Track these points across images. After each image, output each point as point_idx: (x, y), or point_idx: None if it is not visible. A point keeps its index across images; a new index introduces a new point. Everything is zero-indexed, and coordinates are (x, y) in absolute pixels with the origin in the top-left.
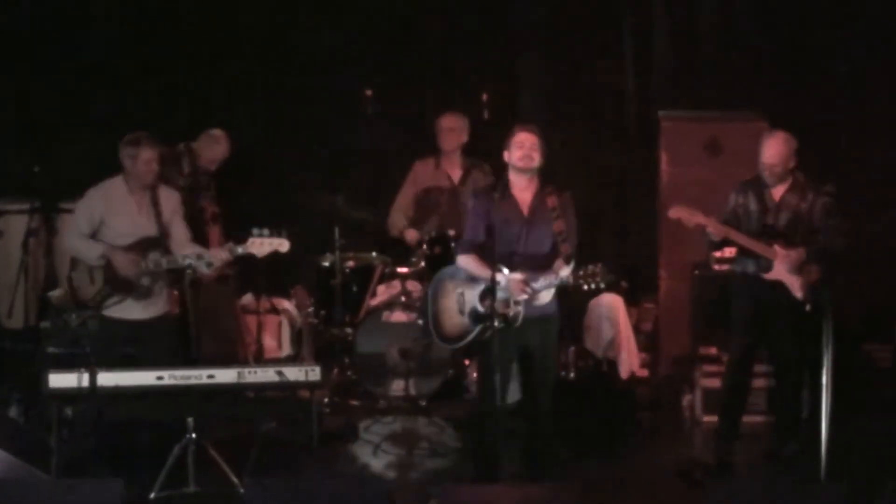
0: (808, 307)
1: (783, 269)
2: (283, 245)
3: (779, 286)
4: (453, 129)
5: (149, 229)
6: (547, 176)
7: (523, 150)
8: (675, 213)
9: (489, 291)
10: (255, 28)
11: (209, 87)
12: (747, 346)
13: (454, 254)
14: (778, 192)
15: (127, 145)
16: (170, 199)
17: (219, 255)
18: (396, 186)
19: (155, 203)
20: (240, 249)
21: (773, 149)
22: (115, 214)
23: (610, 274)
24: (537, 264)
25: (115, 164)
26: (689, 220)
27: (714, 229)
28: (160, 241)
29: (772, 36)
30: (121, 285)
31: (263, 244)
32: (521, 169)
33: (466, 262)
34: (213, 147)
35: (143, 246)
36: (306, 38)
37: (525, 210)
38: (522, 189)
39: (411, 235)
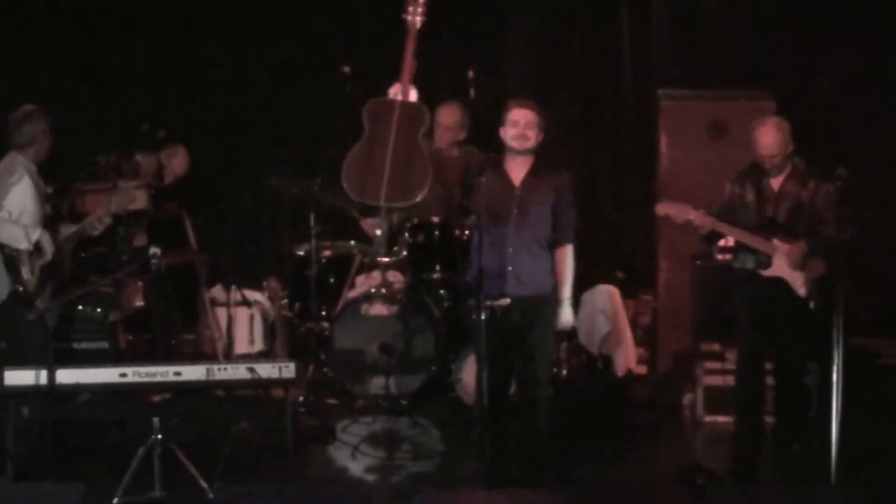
0: (812, 305)
1: (784, 264)
2: (139, 200)
3: (780, 283)
4: (450, 128)
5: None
6: (544, 157)
7: (517, 128)
8: (662, 209)
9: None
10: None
11: (176, 65)
12: (755, 342)
13: (438, 241)
14: (777, 181)
15: (39, 117)
16: None
17: (97, 216)
18: None
19: None
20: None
21: (768, 138)
22: (37, 196)
23: None
24: (531, 246)
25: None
26: (678, 216)
27: (702, 223)
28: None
29: (779, 7)
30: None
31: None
32: (515, 149)
33: None
34: (173, 160)
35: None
36: (280, 11)
37: (517, 184)
38: (516, 168)
39: None
